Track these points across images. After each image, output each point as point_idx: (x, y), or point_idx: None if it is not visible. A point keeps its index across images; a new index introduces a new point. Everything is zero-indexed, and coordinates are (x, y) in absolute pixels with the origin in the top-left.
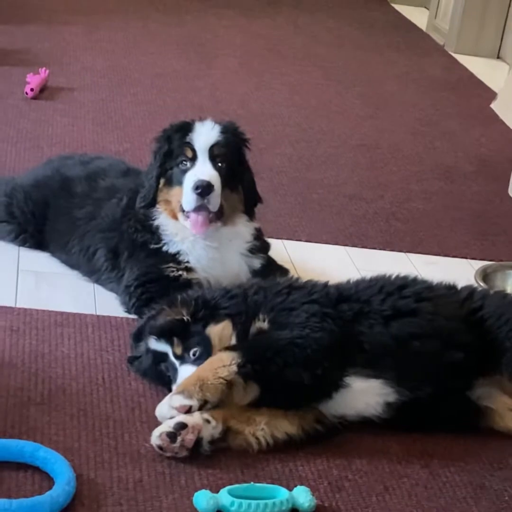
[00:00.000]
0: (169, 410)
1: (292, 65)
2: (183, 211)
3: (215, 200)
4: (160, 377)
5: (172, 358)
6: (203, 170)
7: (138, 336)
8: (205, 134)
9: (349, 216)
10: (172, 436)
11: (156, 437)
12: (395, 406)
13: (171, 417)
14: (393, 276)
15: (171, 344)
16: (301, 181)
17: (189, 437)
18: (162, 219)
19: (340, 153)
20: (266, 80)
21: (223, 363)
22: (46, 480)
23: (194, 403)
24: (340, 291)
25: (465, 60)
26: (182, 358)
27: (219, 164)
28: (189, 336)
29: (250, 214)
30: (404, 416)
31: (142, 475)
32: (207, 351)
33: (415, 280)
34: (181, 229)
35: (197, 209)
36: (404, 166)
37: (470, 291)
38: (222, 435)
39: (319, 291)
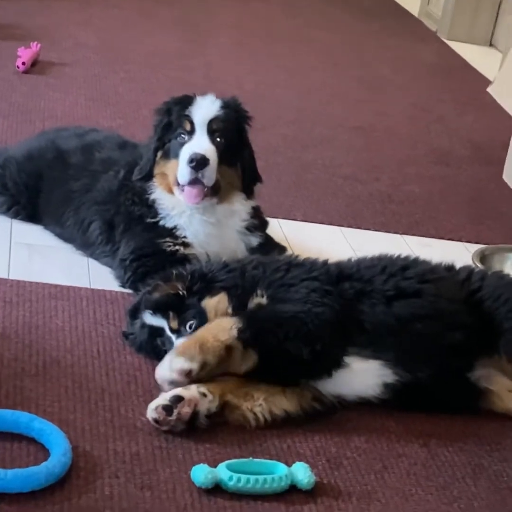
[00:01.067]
0: (170, 372)
1: (286, 47)
2: (178, 184)
3: (210, 175)
4: (156, 352)
5: (168, 332)
6: (199, 143)
7: (134, 313)
8: (205, 108)
9: (345, 197)
10: (168, 409)
11: (152, 410)
12: (394, 387)
13: (171, 380)
14: (395, 257)
15: (167, 318)
16: (296, 161)
17: (185, 410)
18: (158, 193)
19: (335, 135)
20: (261, 61)
21: (223, 327)
22: (41, 451)
23: (195, 366)
24: (341, 269)
25: (457, 46)
26: (178, 332)
27: (218, 139)
28: (184, 310)
29: (248, 192)
30: (403, 397)
31: (138, 448)
32: (203, 324)
33: (416, 261)
34: (178, 203)
35: (192, 182)
36: (399, 149)
37: (469, 272)
38: (219, 409)
39: (319, 269)
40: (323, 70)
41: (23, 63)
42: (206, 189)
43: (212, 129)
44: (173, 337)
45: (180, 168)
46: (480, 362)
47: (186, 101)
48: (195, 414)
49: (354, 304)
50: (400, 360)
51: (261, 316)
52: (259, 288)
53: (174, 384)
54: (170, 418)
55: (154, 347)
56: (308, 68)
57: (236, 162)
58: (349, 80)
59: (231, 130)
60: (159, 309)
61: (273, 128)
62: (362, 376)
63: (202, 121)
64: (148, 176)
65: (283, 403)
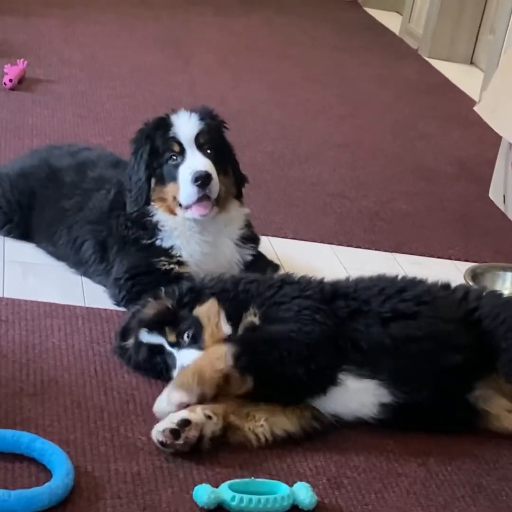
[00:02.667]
0: (168, 405)
1: (269, 63)
2: (180, 205)
3: (215, 188)
4: (156, 370)
5: (168, 347)
6: (197, 161)
7: (124, 334)
8: (186, 125)
9: (334, 215)
10: (175, 433)
11: (158, 432)
12: (391, 407)
13: (170, 412)
14: (393, 277)
15: (164, 334)
16: (283, 178)
17: (192, 434)
18: (159, 215)
19: (321, 151)
20: (244, 78)
21: (219, 355)
22: (43, 472)
23: (193, 399)
24: (337, 288)
25: (438, 64)
26: (177, 344)
27: (208, 151)
28: (179, 322)
29: (240, 196)
30: (400, 418)
31: (139, 468)
32: (198, 331)
33: (414, 282)
34: (180, 223)
35: (199, 200)
36: (385, 166)
37: (465, 291)
38: (223, 431)
39: (313, 287)
40: (305, 86)
41: (10, 80)
42: (212, 202)
43: (200, 144)
44: (173, 350)
45: (183, 189)
46: (478, 382)
47: (165, 123)
48: (201, 437)
49: (348, 322)
50: (396, 380)
51: (253, 339)
52: (251, 305)
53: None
54: (177, 442)
55: (154, 364)
56: (291, 85)
57: (228, 168)
58: (332, 96)
59: (215, 139)
60: (154, 326)
61: (258, 145)
62: (358, 395)
63: (189, 138)
64: (146, 203)
65: (283, 423)
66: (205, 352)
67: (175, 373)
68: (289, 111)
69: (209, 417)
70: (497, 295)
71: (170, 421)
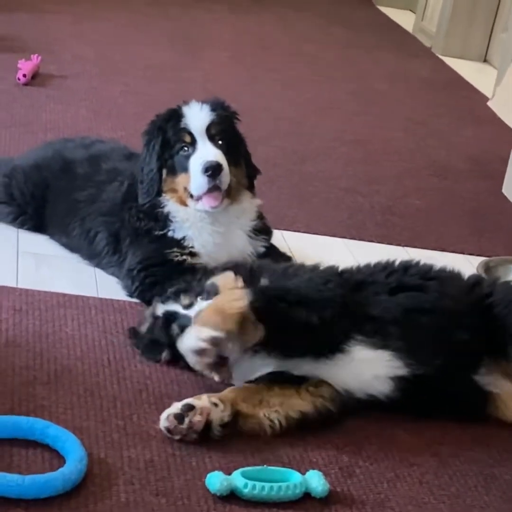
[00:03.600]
0: (196, 341)
1: (281, 61)
2: (191, 196)
3: (225, 179)
4: (171, 341)
5: (182, 310)
6: (207, 151)
7: (135, 333)
8: (197, 116)
9: (346, 209)
10: (179, 417)
11: (163, 419)
12: (403, 382)
13: (199, 349)
14: (395, 259)
15: (178, 300)
16: (296, 173)
17: (197, 419)
18: (171, 206)
19: (333, 147)
20: (257, 75)
21: (236, 297)
22: (57, 458)
23: (222, 334)
24: (343, 269)
25: (452, 62)
26: (191, 305)
27: (220, 142)
28: (194, 291)
29: (252, 188)
30: (412, 396)
31: (152, 455)
32: (215, 292)
33: (418, 263)
34: (192, 214)
35: (209, 190)
36: (397, 163)
37: (478, 278)
38: (232, 419)
39: (322, 267)
40: (318, 84)
41: (24, 75)
42: (222, 193)
43: (212, 134)
44: (188, 313)
45: (193, 180)
46: (487, 364)
47: (176, 115)
48: (208, 423)
49: (357, 292)
50: (407, 350)
51: (270, 287)
52: (263, 276)
53: (200, 354)
54: (182, 426)
55: (170, 336)
56: (304, 82)
57: (239, 160)
58: (345, 93)
59: (227, 130)
60: (169, 296)
61: (271, 141)
62: (371, 365)
63: (200, 129)
64: (157, 195)
65: (298, 404)
66: (223, 293)
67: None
68: (302, 107)
69: (215, 404)
70: (510, 285)
71: (174, 407)
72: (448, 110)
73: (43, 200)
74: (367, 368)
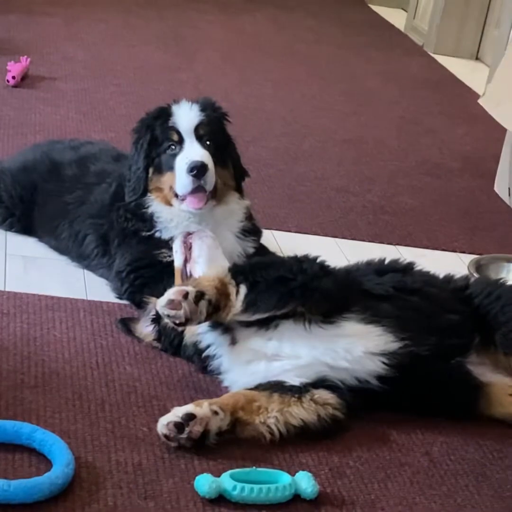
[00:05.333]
0: (168, 295)
1: (274, 61)
2: (177, 196)
3: (210, 180)
4: None
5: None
6: (194, 151)
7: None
8: (186, 115)
9: (338, 209)
10: (179, 426)
11: (162, 425)
12: (396, 359)
13: (169, 300)
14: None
15: None
16: (288, 173)
17: (196, 429)
18: (155, 206)
19: (325, 147)
20: (249, 75)
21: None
22: (43, 462)
23: (190, 288)
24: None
25: (444, 60)
26: None
27: (207, 143)
28: None
29: (240, 190)
30: (405, 378)
31: (141, 458)
32: None
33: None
34: (176, 214)
35: (194, 191)
36: (390, 162)
37: (449, 275)
38: (230, 427)
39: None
40: (310, 83)
41: (13, 77)
42: (207, 194)
43: (200, 134)
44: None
45: (178, 179)
46: (477, 352)
47: (165, 113)
48: (205, 433)
49: (345, 273)
50: (399, 326)
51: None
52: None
53: (170, 306)
54: (181, 436)
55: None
56: (296, 81)
57: (227, 161)
58: (337, 93)
59: (216, 131)
60: None
61: (263, 141)
62: (362, 340)
63: (189, 128)
64: (143, 194)
65: (299, 412)
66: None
67: None
68: (294, 107)
69: (215, 413)
70: (483, 277)
71: (174, 415)
72: (440, 109)
73: (31, 202)
74: (358, 342)
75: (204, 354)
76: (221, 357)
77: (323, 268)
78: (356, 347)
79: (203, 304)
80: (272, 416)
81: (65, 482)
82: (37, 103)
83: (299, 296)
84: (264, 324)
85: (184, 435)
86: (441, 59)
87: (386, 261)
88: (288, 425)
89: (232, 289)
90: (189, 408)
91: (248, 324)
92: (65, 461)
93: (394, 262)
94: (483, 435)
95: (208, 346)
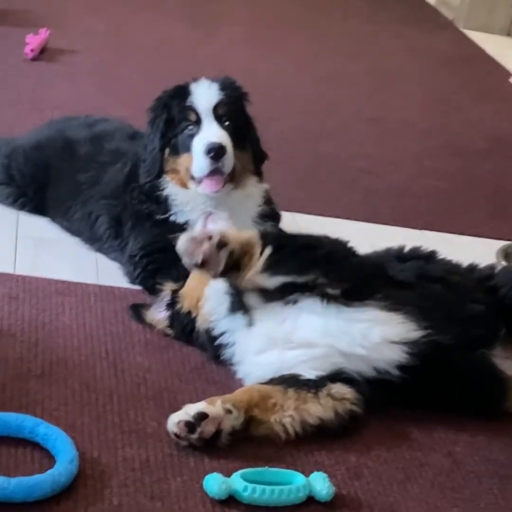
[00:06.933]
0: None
1: (298, 36)
2: (193, 178)
3: (228, 162)
4: None
5: None
6: (212, 132)
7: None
8: (205, 95)
9: (361, 191)
10: (191, 426)
11: (173, 424)
12: (418, 348)
13: (192, 238)
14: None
15: None
16: (309, 153)
17: (208, 429)
18: (171, 188)
19: (349, 126)
20: (272, 51)
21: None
22: (47, 457)
23: (216, 234)
24: None
25: (475, 36)
26: None
27: (226, 123)
28: None
29: (259, 173)
30: (426, 369)
31: (148, 455)
32: None
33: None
34: (192, 197)
35: (211, 173)
36: (416, 142)
37: (472, 263)
38: (244, 426)
39: None
40: (335, 60)
41: (32, 50)
42: (225, 177)
43: (219, 115)
44: None
45: (195, 161)
46: (503, 345)
47: (183, 92)
48: (218, 432)
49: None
50: (421, 315)
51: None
52: None
53: (192, 244)
54: (192, 436)
55: None
56: (320, 58)
57: (246, 143)
58: (363, 69)
59: (235, 111)
60: None
61: (285, 119)
62: (381, 327)
63: (207, 108)
64: (158, 175)
65: (316, 409)
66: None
67: None
68: (318, 85)
69: (229, 411)
70: (510, 267)
71: (186, 413)
72: (470, 87)
73: (44, 181)
74: (376, 328)
75: (217, 342)
76: (235, 346)
77: (351, 249)
78: (374, 333)
79: (224, 253)
80: (288, 415)
81: (68, 479)
82: (55, 78)
83: (323, 265)
84: (283, 297)
85: (195, 435)
86: (472, 35)
87: (407, 249)
88: (304, 424)
89: (257, 250)
90: (201, 406)
91: (266, 299)
92: (69, 457)
93: (416, 249)
94: (509, 435)
95: (222, 334)
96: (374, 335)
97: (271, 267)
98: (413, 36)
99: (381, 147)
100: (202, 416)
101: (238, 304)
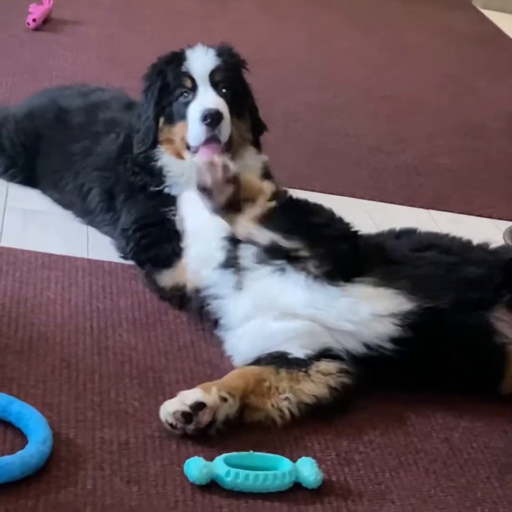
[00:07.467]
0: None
1: (311, 10)
2: (188, 147)
3: (225, 130)
4: None
5: None
6: (208, 98)
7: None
8: (201, 61)
9: (368, 169)
10: (188, 416)
11: (168, 413)
12: (411, 318)
13: (209, 163)
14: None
15: None
16: (317, 129)
17: (205, 418)
18: (165, 159)
19: (359, 103)
20: (284, 25)
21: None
22: (20, 437)
23: (232, 171)
24: None
25: (493, 15)
26: None
27: (223, 90)
28: None
29: (257, 144)
30: (422, 340)
31: (128, 437)
32: None
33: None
34: (187, 168)
35: (207, 141)
36: (427, 120)
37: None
38: (238, 413)
39: None
40: (348, 35)
41: (34, 20)
42: (222, 146)
43: (215, 81)
44: None
45: (191, 129)
46: (505, 306)
47: (178, 58)
48: (212, 421)
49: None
50: (413, 288)
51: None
52: None
53: (207, 165)
54: (189, 426)
55: None
56: (333, 33)
57: (244, 112)
58: (376, 46)
59: (233, 78)
60: None
61: (294, 94)
62: (370, 303)
63: (203, 74)
64: (152, 145)
65: (310, 387)
66: None
67: None
68: (329, 60)
69: (224, 399)
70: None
71: (182, 403)
72: (485, 66)
73: (35, 151)
74: (364, 303)
75: (204, 293)
76: (222, 299)
77: (351, 233)
78: (362, 308)
79: (230, 189)
80: (284, 397)
81: (40, 462)
82: (57, 48)
83: (311, 237)
84: (272, 261)
85: (191, 426)
86: (489, 14)
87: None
88: (300, 405)
89: (262, 201)
90: (198, 395)
91: (257, 260)
92: (42, 438)
93: (409, 228)
94: (509, 422)
95: (210, 286)
96: (363, 310)
97: (266, 221)
98: (430, 14)
99: (392, 125)
100: (199, 406)
101: (232, 261)
